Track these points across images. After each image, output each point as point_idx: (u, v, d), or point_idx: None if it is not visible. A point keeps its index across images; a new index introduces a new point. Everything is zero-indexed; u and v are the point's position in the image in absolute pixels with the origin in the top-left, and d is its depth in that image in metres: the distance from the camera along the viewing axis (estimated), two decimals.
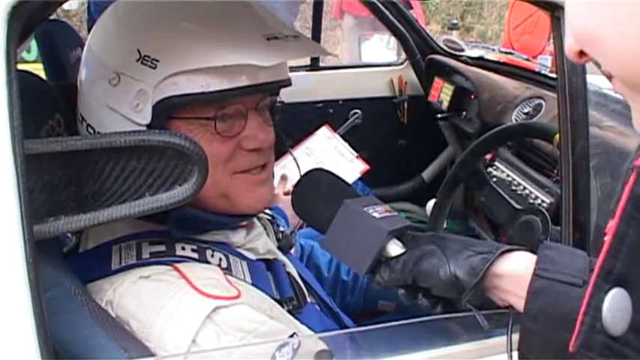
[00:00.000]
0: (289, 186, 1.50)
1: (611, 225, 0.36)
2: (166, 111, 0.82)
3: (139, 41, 0.82)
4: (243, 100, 0.87)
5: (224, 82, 0.82)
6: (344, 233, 0.79)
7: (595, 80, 0.97)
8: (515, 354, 0.74)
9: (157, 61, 0.80)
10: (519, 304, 0.72)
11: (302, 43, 0.89)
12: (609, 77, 0.42)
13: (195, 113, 0.84)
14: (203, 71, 0.80)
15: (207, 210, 0.89)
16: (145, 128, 0.82)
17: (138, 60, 0.81)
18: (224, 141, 0.86)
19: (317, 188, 0.89)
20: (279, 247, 1.03)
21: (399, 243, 0.80)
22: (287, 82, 0.92)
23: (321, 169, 0.93)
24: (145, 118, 0.81)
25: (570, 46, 0.45)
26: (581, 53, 0.43)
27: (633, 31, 0.37)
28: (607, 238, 0.36)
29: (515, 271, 0.75)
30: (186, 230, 0.89)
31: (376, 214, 0.80)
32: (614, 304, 0.36)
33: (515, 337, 0.74)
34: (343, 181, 0.91)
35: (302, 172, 1.02)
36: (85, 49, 0.91)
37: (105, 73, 0.83)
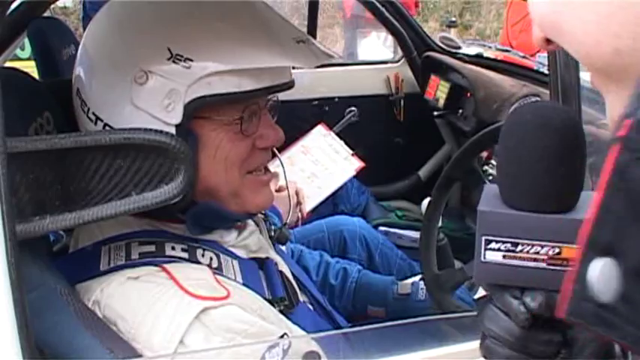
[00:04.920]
0: (280, 183, 1.50)
1: (596, 196, 0.36)
2: (194, 110, 0.80)
3: (169, 39, 0.80)
4: (259, 99, 0.87)
5: (253, 82, 0.82)
6: None
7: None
8: None
9: (191, 60, 0.79)
10: None
11: (322, 48, 0.89)
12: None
13: (221, 114, 0.84)
14: (237, 72, 0.80)
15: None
16: (173, 128, 0.79)
17: (169, 59, 0.79)
18: (243, 140, 0.86)
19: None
20: (273, 241, 1.03)
21: None
22: (292, 83, 0.93)
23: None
24: (176, 117, 0.79)
25: (536, 34, 0.45)
26: (548, 40, 0.43)
27: (593, 16, 0.36)
28: (592, 209, 0.36)
29: None
30: (202, 226, 0.89)
31: None
32: (603, 272, 0.36)
33: None
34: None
35: (287, 175, 1.02)
36: (90, 43, 0.88)
37: (129, 70, 0.80)
